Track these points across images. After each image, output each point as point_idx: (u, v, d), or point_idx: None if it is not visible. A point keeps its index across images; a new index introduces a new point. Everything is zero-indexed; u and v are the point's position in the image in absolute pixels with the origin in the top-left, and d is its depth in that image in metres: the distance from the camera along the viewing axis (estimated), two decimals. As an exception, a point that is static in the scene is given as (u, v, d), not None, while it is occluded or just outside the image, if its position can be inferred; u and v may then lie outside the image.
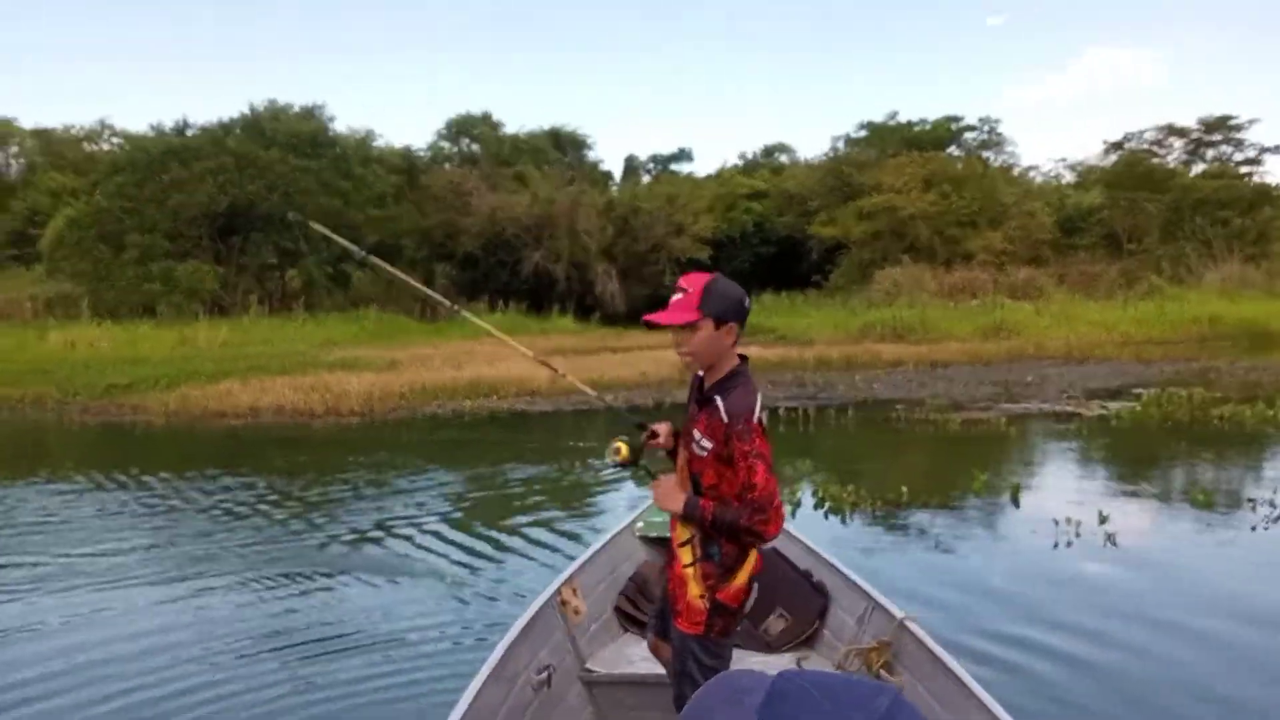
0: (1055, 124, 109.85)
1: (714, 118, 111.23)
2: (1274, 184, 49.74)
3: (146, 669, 5.48)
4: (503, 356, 22.75)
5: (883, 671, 3.84)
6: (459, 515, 9.48)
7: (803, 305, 39.28)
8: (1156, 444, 12.72)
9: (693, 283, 3.03)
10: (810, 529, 5.41)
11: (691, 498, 3.03)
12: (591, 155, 58.60)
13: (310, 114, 45.14)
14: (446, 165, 52.13)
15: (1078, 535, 7.94)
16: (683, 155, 63.10)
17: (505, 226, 45.46)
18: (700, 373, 3.17)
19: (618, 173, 61.97)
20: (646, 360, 23.05)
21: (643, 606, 4.91)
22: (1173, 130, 51.39)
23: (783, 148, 66.55)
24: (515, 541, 8.35)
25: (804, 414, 15.48)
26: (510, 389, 19.66)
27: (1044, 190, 57.20)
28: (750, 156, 65.93)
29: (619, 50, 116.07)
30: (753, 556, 3.08)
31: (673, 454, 3.34)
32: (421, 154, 53.56)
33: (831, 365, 24.54)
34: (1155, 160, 51.28)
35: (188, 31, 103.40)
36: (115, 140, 48.42)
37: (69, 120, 67.76)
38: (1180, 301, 35.67)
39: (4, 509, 10.20)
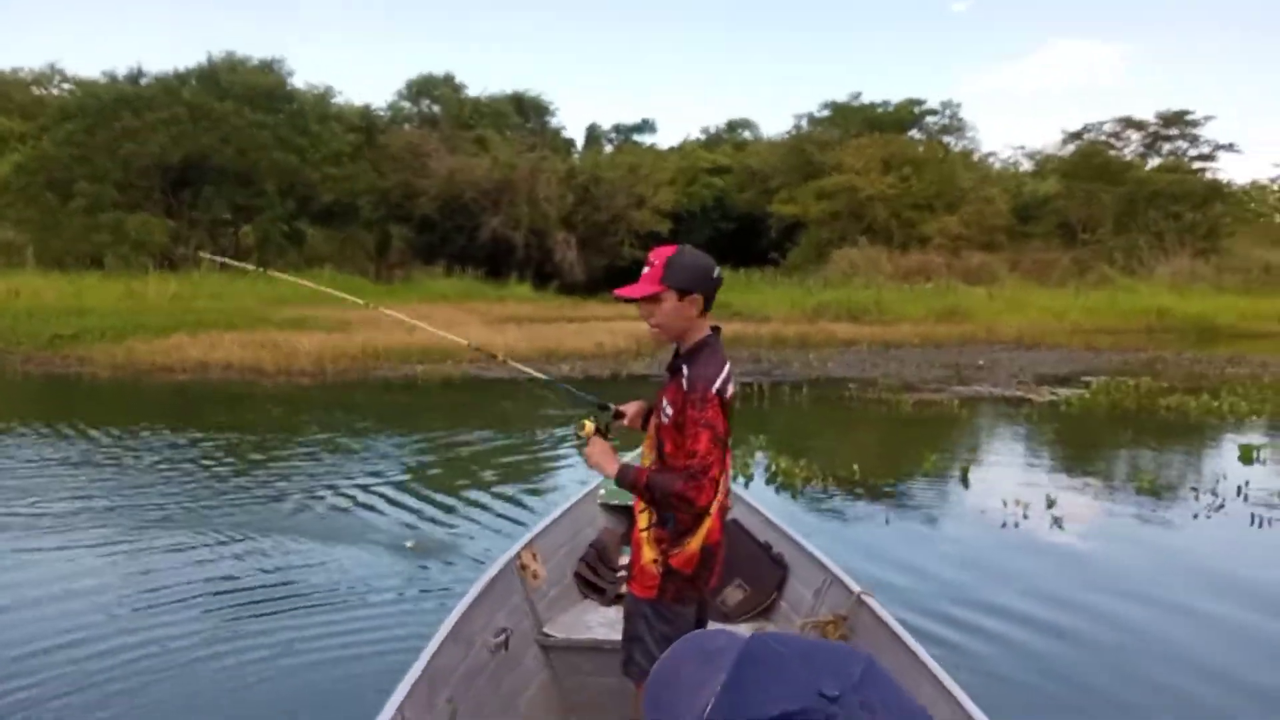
0: (1015, 111, 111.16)
1: (678, 89, 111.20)
2: (1226, 180, 50.62)
3: (82, 624, 5.37)
4: (458, 322, 22.63)
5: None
6: (413, 478, 9.41)
7: (759, 283, 39.38)
8: (1104, 431, 12.93)
9: (658, 255, 3.06)
10: (761, 503, 5.42)
11: (626, 463, 3.06)
12: (554, 122, 58.17)
13: (269, 67, 44.34)
14: (406, 126, 51.45)
15: (1025, 517, 8.06)
16: (646, 126, 62.89)
17: (464, 190, 45.02)
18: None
19: (580, 141, 61.63)
20: (603, 331, 23.02)
21: (602, 573, 4.91)
22: (1130, 123, 52.03)
23: (746, 123, 66.52)
24: (469, 505, 8.31)
25: (759, 390, 15.56)
26: (464, 354, 19.53)
27: (1001, 177, 57.83)
28: (713, 130, 65.85)
29: (585, 16, 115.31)
30: (707, 524, 3.07)
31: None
32: (381, 113, 52.83)
33: (787, 343, 24.70)
34: (1112, 152, 51.91)
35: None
36: (66, 86, 47.18)
37: (17, 63, 65.75)
38: (1131, 293, 36.28)
39: (-59, 457, 9.97)
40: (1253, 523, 8.04)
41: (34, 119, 40.66)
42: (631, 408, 3.42)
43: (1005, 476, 9.95)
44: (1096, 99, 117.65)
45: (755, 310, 31.15)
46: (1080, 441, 12.58)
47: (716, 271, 3.06)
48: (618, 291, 3.20)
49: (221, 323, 21.55)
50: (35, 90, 49.64)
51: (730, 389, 3.02)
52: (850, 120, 53.15)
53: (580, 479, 9.63)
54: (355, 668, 4.87)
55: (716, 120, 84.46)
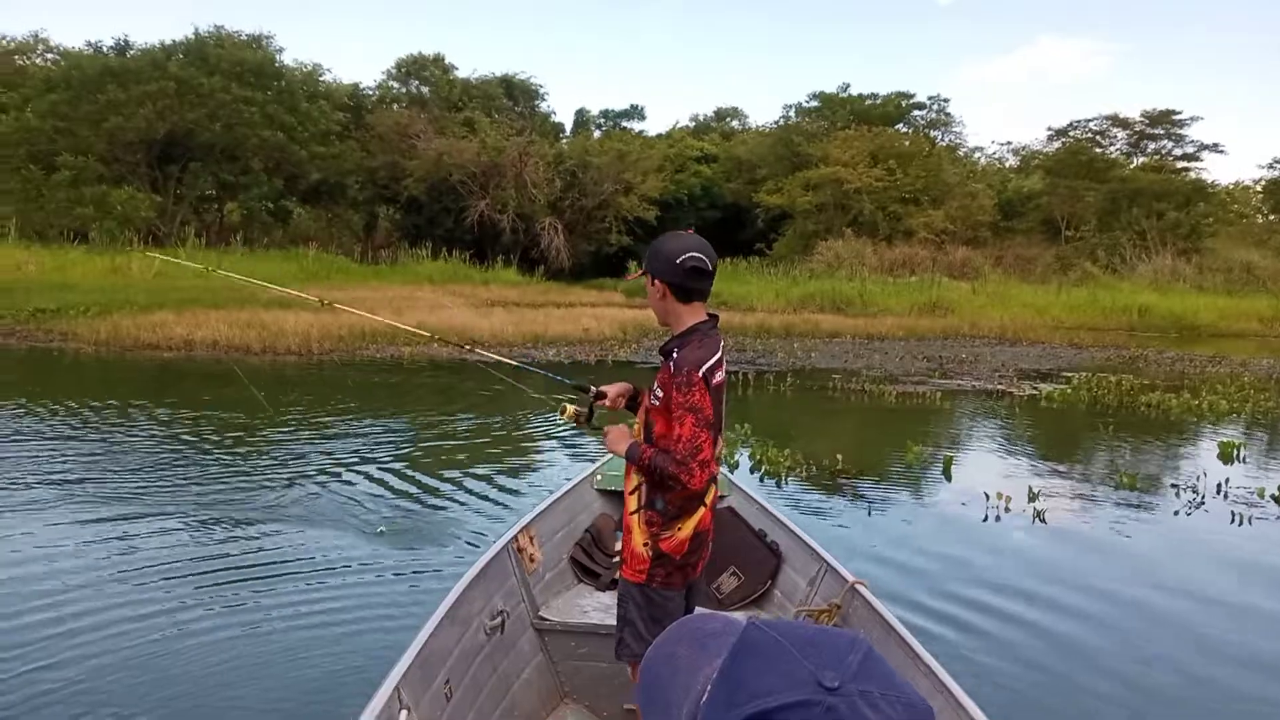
0: (1002, 107, 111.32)
1: (667, 76, 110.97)
2: (1210, 181, 50.89)
3: (62, 600, 5.35)
4: (442, 305, 22.58)
5: None
6: (403, 459, 9.40)
7: (745, 272, 39.48)
8: (1086, 427, 13.03)
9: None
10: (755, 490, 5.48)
11: (634, 442, 3.09)
12: (543, 106, 57.90)
13: (257, 42, 43.95)
14: (394, 106, 51.14)
15: (1007, 510, 8.13)
16: (634, 112, 62.70)
17: (451, 172, 44.82)
18: None
19: (569, 126, 61.41)
20: (589, 317, 23.04)
21: (597, 558, 4.94)
22: (1116, 121, 52.25)
23: (734, 112, 66.54)
24: (460, 488, 8.31)
25: (743, 379, 15.62)
26: (451, 337, 19.49)
27: (987, 172, 58.04)
28: (702, 118, 65.75)
29: (576, 1, 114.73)
30: (699, 512, 3.10)
31: (635, 409, 3.38)
32: (369, 92, 52.50)
33: (772, 333, 24.76)
34: (1097, 150, 52.12)
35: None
36: (50, 56, 46.62)
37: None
38: (1113, 290, 36.48)
39: (-76, 429, 9.91)
40: (1233, 520, 8.14)
41: (16, 89, 40.25)
42: (613, 389, 3.44)
43: (987, 469, 10.05)
44: (1083, 96, 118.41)
45: (741, 300, 31.25)
46: (1062, 437, 12.68)
47: (684, 259, 2.98)
48: (629, 277, 3.27)
49: (207, 300, 21.43)
50: (18, 59, 49.07)
51: (719, 375, 3.04)
52: (838, 112, 53.20)
53: (564, 458, 9.69)
54: (350, 650, 4.87)
55: (705, 108, 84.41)
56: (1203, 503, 8.69)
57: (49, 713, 4.11)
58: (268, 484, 8.21)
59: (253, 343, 17.24)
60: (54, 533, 6.62)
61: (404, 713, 2.83)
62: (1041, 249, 47.13)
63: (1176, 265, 41.54)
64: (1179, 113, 50.61)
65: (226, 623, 5.14)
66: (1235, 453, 10.91)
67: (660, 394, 3.01)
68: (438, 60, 53.10)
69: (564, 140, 56.00)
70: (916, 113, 55.98)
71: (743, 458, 9.87)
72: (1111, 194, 47.80)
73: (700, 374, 2.92)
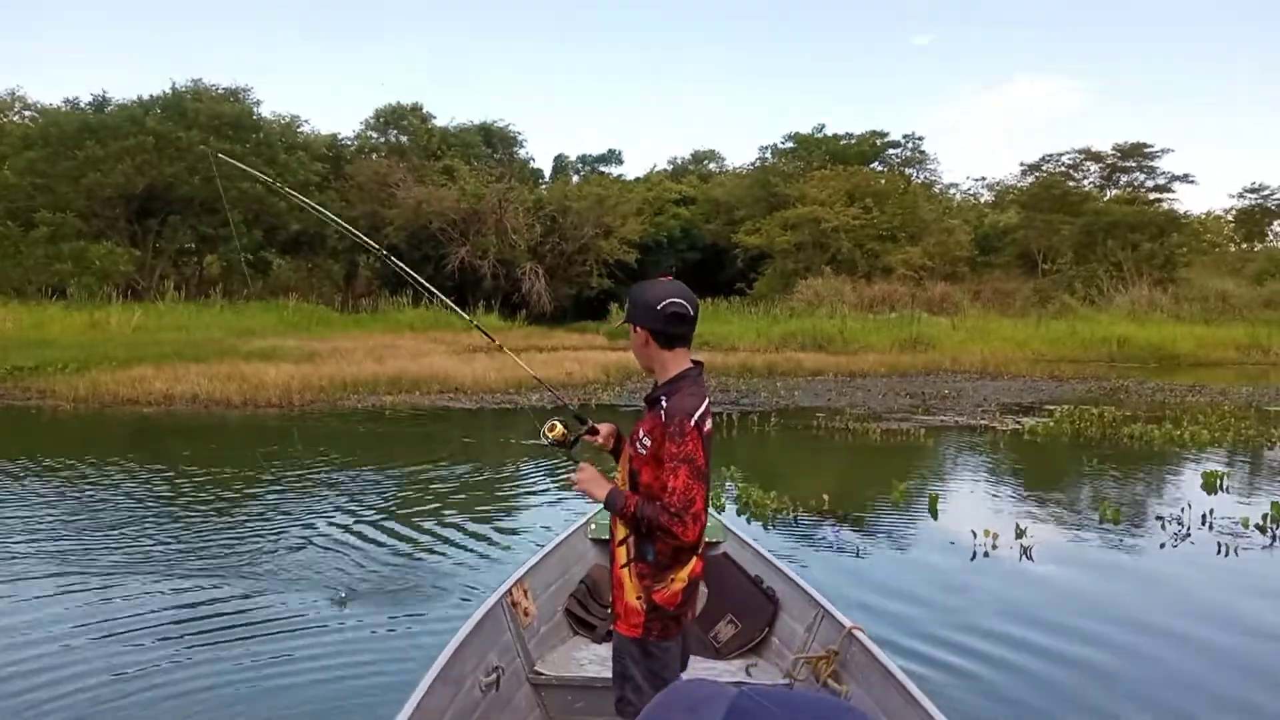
0: (977, 144, 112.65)
1: (644, 121, 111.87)
2: (1183, 211, 51.53)
3: (43, 666, 5.24)
4: (425, 352, 22.53)
5: (830, 680, 3.88)
6: (389, 511, 9.30)
7: (726, 312, 39.60)
8: (1070, 460, 13.07)
9: None
10: (749, 535, 5.45)
11: (615, 488, 3.05)
12: (521, 153, 58.33)
13: (235, 95, 44.14)
14: (373, 155, 51.39)
15: (994, 547, 8.12)
16: (612, 157, 63.32)
17: (431, 220, 45.00)
18: None
19: (548, 171, 61.81)
20: (572, 360, 23.03)
21: (592, 609, 4.88)
22: (1089, 154, 52.91)
23: (711, 154, 67.13)
24: (449, 540, 8.22)
25: (727, 419, 15.61)
26: (433, 385, 19.47)
27: (963, 208, 58.66)
28: (679, 161, 66.31)
29: (552, 48, 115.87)
30: (692, 561, 3.08)
31: (617, 455, 3.35)
32: (348, 143, 52.74)
33: (754, 372, 24.81)
34: (1070, 184, 52.74)
35: (109, 2, 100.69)
36: (27, 113, 46.72)
37: (-23, 90, 65.00)
38: (1091, 322, 36.74)
39: (-99, 492, 9.77)
40: (1219, 551, 8.15)
41: (-6, 147, 40.22)
42: (606, 428, 3.42)
43: (973, 506, 10.04)
44: (1058, 131, 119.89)
45: (723, 339, 31.32)
46: (1046, 470, 12.71)
47: (666, 305, 2.98)
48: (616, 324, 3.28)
49: (188, 354, 21.32)
50: (-5, 118, 49.12)
51: (709, 423, 3.03)
52: (814, 152, 53.80)
53: (552, 505, 9.62)
54: (341, 712, 4.77)
55: (682, 151, 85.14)
56: (1189, 534, 8.70)
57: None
58: (251, 540, 8.11)
59: (233, 396, 17.12)
60: (32, 591, 6.52)
61: None
62: (1019, 283, 47.56)
63: (1153, 296, 41.91)
64: (1150, 145, 51.39)
65: (209, 684, 5.04)
66: (1219, 482, 10.95)
67: (649, 443, 2.98)
68: (415, 109, 53.49)
69: (543, 186, 56.38)
70: (891, 151, 56.68)
71: (728, 500, 9.83)
72: (1086, 227, 48.31)
73: (693, 423, 2.89)
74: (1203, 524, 9.04)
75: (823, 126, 55.64)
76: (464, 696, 3.54)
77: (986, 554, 7.98)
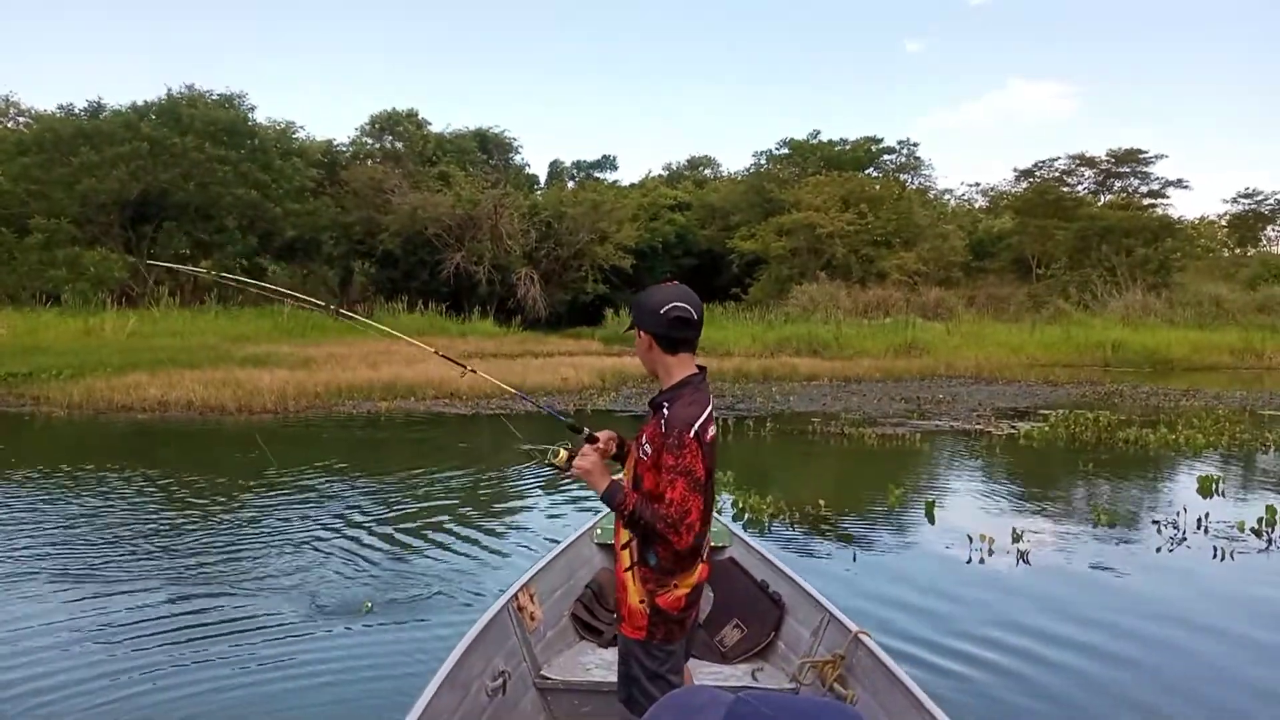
0: (971, 149, 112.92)
1: (640, 127, 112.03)
2: (1176, 217, 51.67)
3: (37, 674, 5.21)
4: (420, 358, 22.50)
5: (836, 685, 3.87)
6: (391, 517, 9.27)
7: (721, 317, 39.64)
8: (1065, 464, 13.08)
9: None
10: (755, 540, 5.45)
11: (616, 482, 3.06)
12: (517, 159, 58.37)
13: (229, 102, 44.13)
14: (369, 162, 51.40)
15: (991, 552, 8.12)
16: (607, 163, 63.40)
17: (426, 225, 45.03)
18: None
19: (543, 177, 61.85)
20: (567, 366, 23.05)
21: (599, 614, 4.87)
22: (1083, 160, 53.09)
23: (707, 160, 67.26)
24: (452, 544, 8.20)
25: (723, 424, 15.61)
26: (428, 391, 19.46)
27: (957, 214, 58.76)
28: (674, 167, 66.40)
29: (547, 54, 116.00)
30: (697, 567, 3.09)
31: (619, 459, 3.36)
32: (343, 149, 52.73)
33: (750, 377, 24.84)
34: (1064, 189, 52.90)
35: (105, 7, 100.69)
36: (21, 119, 46.64)
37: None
38: (1086, 327, 36.82)
39: (-105, 499, 9.74)
40: (1215, 555, 8.16)
41: (-12, 153, 40.17)
42: (605, 434, 3.41)
43: (970, 510, 10.04)
44: (1051, 136, 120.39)
45: (718, 345, 31.35)
46: (1042, 475, 12.71)
47: (668, 309, 2.99)
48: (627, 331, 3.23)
49: (182, 360, 21.30)
50: (-11, 124, 49.05)
51: (711, 430, 3.04)
52: (809, 158, 53.94)
53: (554, 509, 9.61)
54: (341, 713, 4.76)
55: (678, 157, 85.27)
56: (1184, 538, 8.71)
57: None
58: (251, 546, 8.09)
59: (228, 402, 17.10)
60: (29, 597, 6.49)
61: None
62: (1014, 288, 47.67)
63: (1147, 300, 42.00)
64: (1144, 151, 51.64)
65: (212, 689, 5.03)
66: (1214, 486, 10.96)
67: (650, 450, 2.99)
68: (411, 115, 53.48)
69: (538, 191, 56.44)
70: (886, 157, 56.83)
71: (724, 505, 9.82)
72: (1081, 232, 48.44)
73: (692, 434, 2.91)
74: (1198, 528, 9.05)
75: (818, 132, 55.89)
76: (470, 701, 3.54)
77: (983, 559, 7.98)
